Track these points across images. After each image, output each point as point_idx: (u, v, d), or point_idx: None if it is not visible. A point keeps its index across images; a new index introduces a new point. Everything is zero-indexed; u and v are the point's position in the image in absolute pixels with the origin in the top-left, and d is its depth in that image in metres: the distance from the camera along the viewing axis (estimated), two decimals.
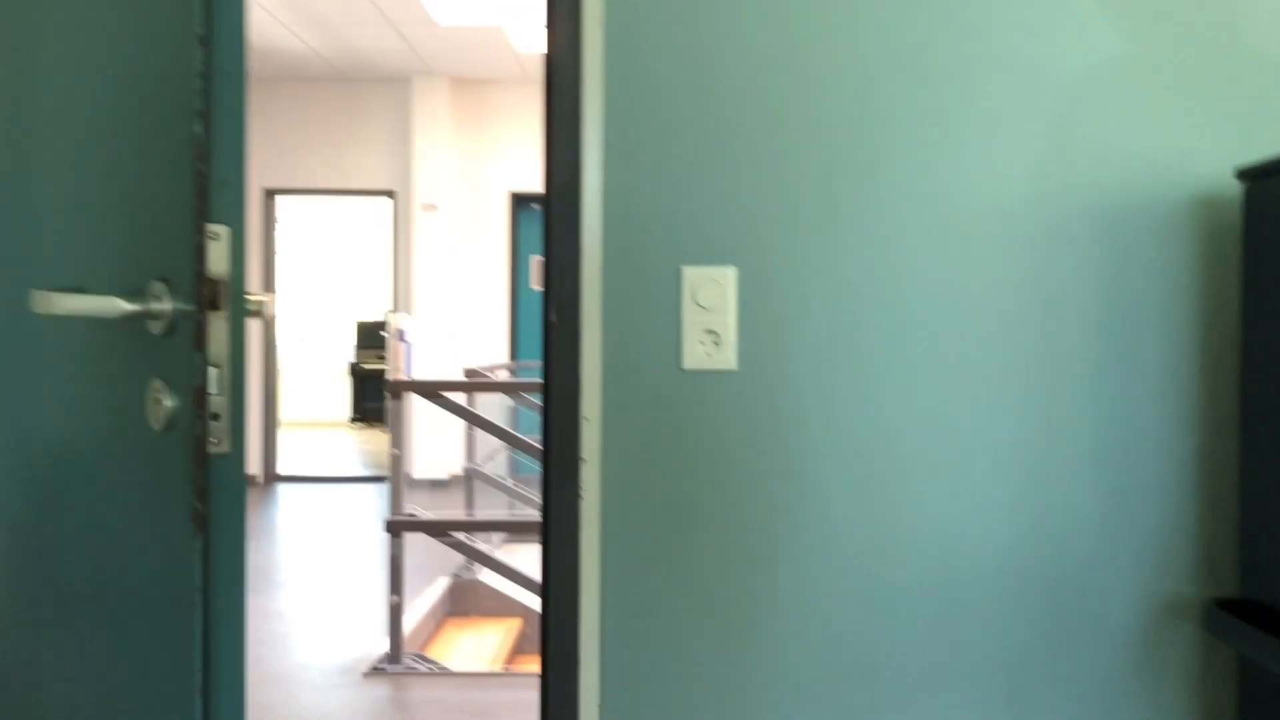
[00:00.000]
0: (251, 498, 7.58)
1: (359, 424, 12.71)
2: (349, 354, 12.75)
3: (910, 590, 1.51)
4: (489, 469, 5.35)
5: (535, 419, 5.29)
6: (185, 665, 1.01)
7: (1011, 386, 1.51)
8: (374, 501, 7.55)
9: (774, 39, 1.53)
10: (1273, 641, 1.30)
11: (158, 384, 1.07)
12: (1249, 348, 1.42)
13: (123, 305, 1.05)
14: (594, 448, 1.56)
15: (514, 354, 8.22)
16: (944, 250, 1.52)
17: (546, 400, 1.64)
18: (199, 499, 1.02)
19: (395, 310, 7.98)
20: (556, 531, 1.62)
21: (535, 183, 8.01)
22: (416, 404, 6.53)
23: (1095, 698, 1.51)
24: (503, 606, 4.56)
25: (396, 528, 3.52)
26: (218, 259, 1.05)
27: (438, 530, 3.58)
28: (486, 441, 5.37)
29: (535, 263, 8.26)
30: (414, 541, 3.93)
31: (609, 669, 1.56)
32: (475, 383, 3.84)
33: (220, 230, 1.05)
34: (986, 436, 1.51)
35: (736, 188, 1.54)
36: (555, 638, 1.61)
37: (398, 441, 3.59)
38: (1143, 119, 1.51)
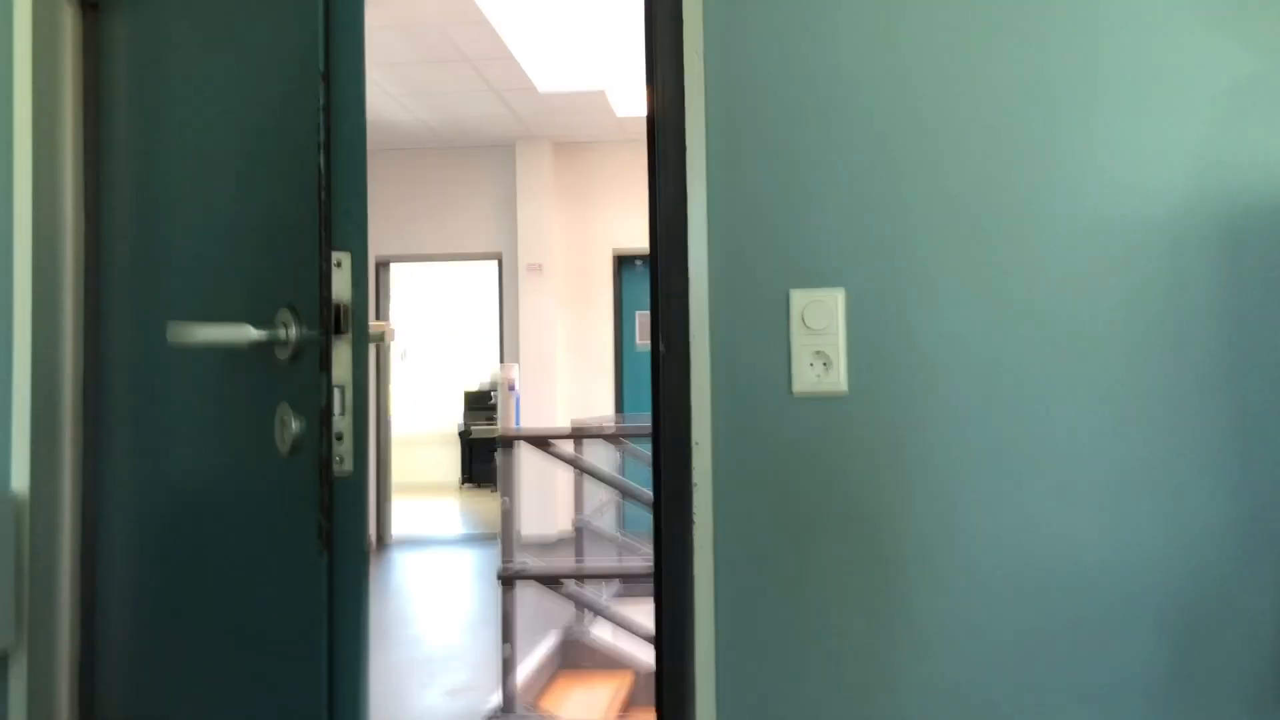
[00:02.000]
0: None
1: (468, 487, 12.91)
2: (458, 419, 13.00)
3: (1049, 612, 1.46)
4: (598, 523, 5.36)
5: (644, 473, 5.29)
6: (312, 680, 1.03)
7: (1146, 401, 1.46)
8: (486, 560, 7.63)
9: (878, 60, 1.54)
10: None
11: (284, 408, 1.11)
12: None
13: (252, 333, 1.10)
14: (705, 472, 1.56)
15: (619, 410, 8.27)
16: (1062, 262, 1.48)
17: (656, 428, 1.65)
18: (325, 516, 1.05)
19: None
20: (669, 562, 1.61)
21: (638, 241, 8.12)
22: (525, 462, 6.59)
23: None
24: (614, 661, 4.54)
25: (509, 578, 3.54)
26: (341, 285, 1.09)
27: (549, 581, 3.60)
28: (595, 496, 5.37)
29: (641, 320, 8.32)
30: (524, 598, 3.95)
31: (724, 703, 1.54)
32: (584, 431, 3.87)
33: (343, 257, 1.10)
34: (1121, 453, 1.46)
35: (843, 209, 1.54)
36: (670, 676, 1.59)
37: (508, 492, 3.63)
38: (1255, 127, 1.47)
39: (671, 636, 1.59)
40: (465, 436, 12.66)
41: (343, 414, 1.10)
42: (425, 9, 5.24)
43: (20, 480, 1.55)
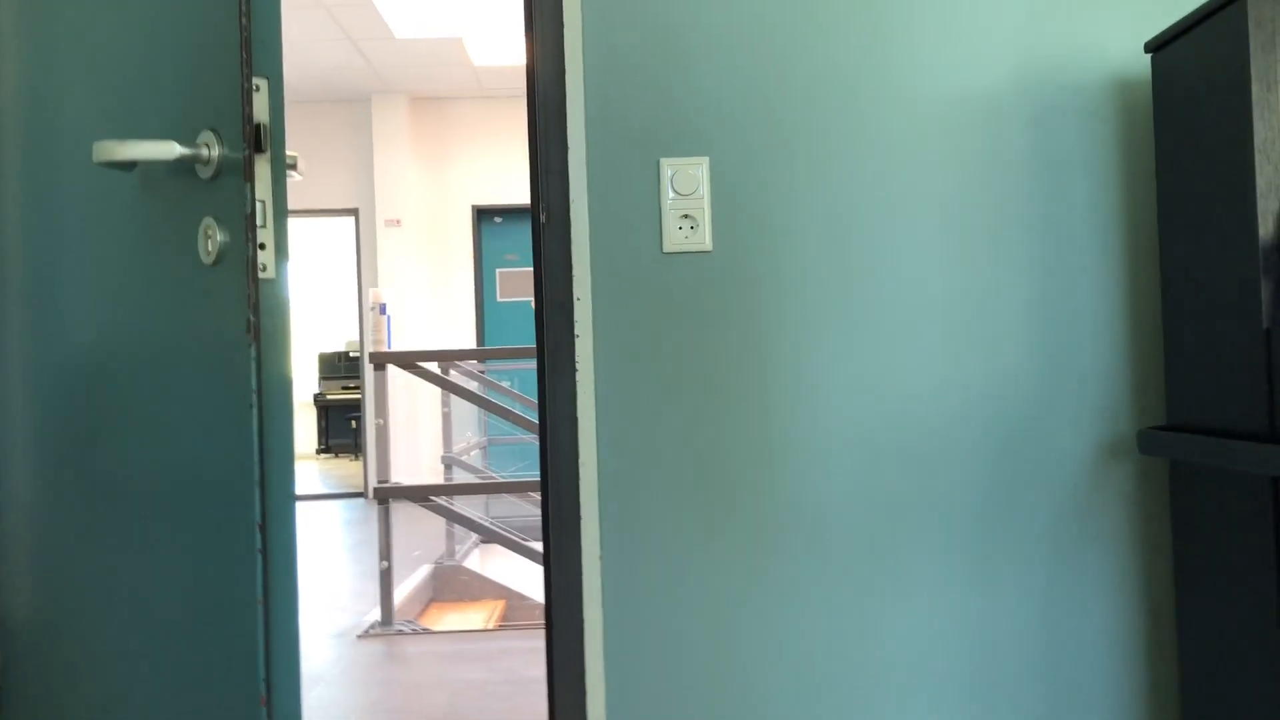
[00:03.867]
0: None
1: (325, 455, 12.70)
2: (312, 385, 12.74)
3: (886, 447, 1.68)
4: (465, 461, 5.47)
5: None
6: (244, 462, 1.15)
7: (959, 255, 1.69)
8: (351, 509, 7.61)
9: None
10: (1198, 439, 1.47)
11: (209, 222, 1.22)
12: (1164, 205, 1.61)
13: (177, 148, 1.20)
14: (586, 325, 1.71)
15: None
16: (898, 137, 1.70)
17: (539, 292, 1.80)
18: (253, 312, 1.16)
19: (361, 326, 8.08)
20: (553, 408, 1.77)
21: (497, 195, 8.18)
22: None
23: (1049, 534, 1.68)
24: (486, 589, 4.67)
25: (384, 495, 3.64)
26: (260, 107, 1.20)
27: (420, 496, 3.71)
28: (462, 437, 5.47)
29: (502, 276, 8.40)
30: (398, 526, 4.04)
31: (607, 522, 1.70)
32: (452, 351, 3.97)
33: (261, 82, 1.20)
34: (941, 299, 1.69)
35: (707, 86, 1.71)
36: (555, 497, 1.75)
37: (382, 413, 3.72)
38: (1063, 12, 1.71)
39: (557, 472, 1.75)
40: (320, 401, 12.44)
41: (263, 226, 1.21)
42: None
43: None
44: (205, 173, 1.22)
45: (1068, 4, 1.69)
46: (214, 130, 1.22)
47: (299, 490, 8.82)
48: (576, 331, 1.71)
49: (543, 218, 1.78)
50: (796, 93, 1.69)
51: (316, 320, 12.91)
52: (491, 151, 8.24)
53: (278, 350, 1.20)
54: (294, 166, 1.27)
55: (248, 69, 1.17)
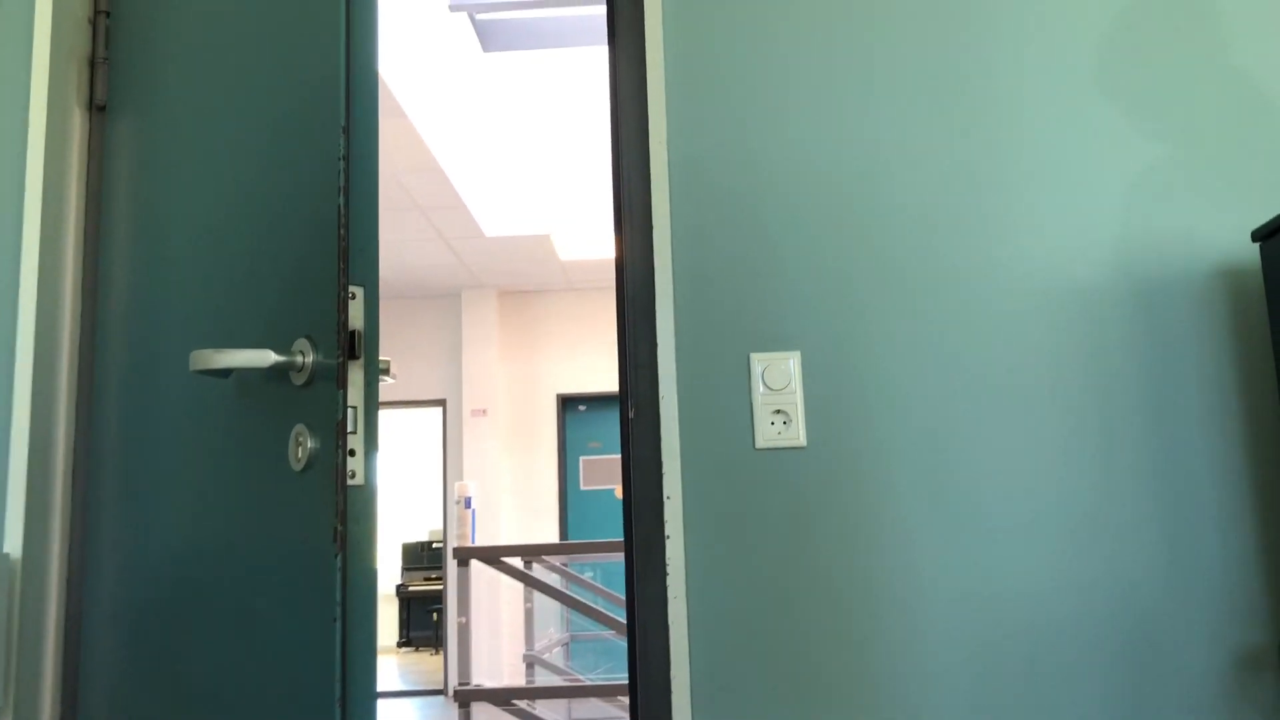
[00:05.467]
0: None
1: (406, 650, 12.51)
2: (395, 575, 12.71)
3: (999, 646, 1.56)
4: (548, 659, 5.31)
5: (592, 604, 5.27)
6: (326, 673, 1.10)
7: (1068, 449, 1.61)
8: (429, 712, 7.41)
9: (826, 153, 1.73)
10: None
11: (301, 429, 1.21)
12: None
13: (273, 356, 1.21)
14: (677, 524, 1.65)
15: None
16: (998, 326, 1.66)
17: (627, 489, 1.75)
18: (340, 521, 1.14)
19: (445, 511, 8.09)
20: (643, 616, 1.69)
21: (581, 384, 8.28)
22: (474, 602, 6.52)
23: None
24: None
25: (465, 698, 3.51)
26: (356, 314, 1.21)
27: (502, 699, 3.57)
28: (545, 635, 5.33)
29: (585, 464, 8.40)
30: None
31: None
32: (536, 545, 3.91)
33: (358, 290, 1.22)
34: (1051, 496, 1.60)
35: (797, 280, 1.70)
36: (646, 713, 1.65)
37: (464, 610, 3.64)
38: (1165, 204, 1.68)
39: (648, 679, 1.65)
40: (402, 593, 12.36)
41: (354, 432, 1.20)
42: (382, 157, 5.51)
43: (13, 544, 1.59)
44: (299, 379, 1.23)
45: (1167, 193, 1.66)
46: (309, 337, 1.23)
47: (379, 687, 8.63)
48: (667, 532, 1.65)
49: (631, 413, 1.76)
50: (889, 283, 1.67)
51: (401, 510, 13.00)
52: (577, 341, 8.40)
53: (363, 555, 1.17)
54: (386, 371, 1.27)
55: (344, 278, 1.19)
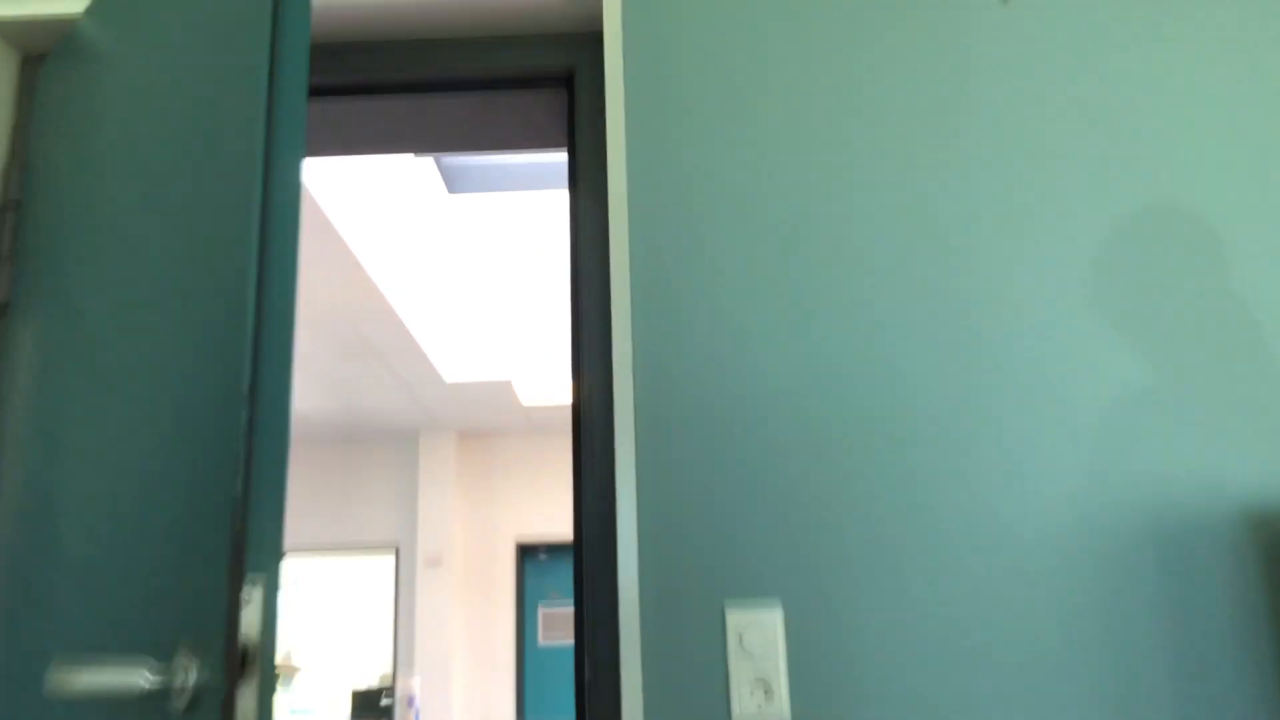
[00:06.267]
0: None
1: None
2: None
3: None
4: None
5: None
6: None
7: (1086, 716, 1.40)
8: None
9: (813, 372, 1.56)
10: None
11: None
12: None
13: (144, 681, 0.98)
14: None
15: (520, 715, 7.79)
16: (999, 578, 1.46)
17: None
18: None
19: (395, 671, 7.67)
20: None
21: (540, 530, 7.98)
22: None
23: None
24: None
25: None
26: (250, 624, 0.99)
27: None
28: None
29: (545, 615, 8.05)
30: None
31: None
32: None
33: (254, 592, 1.00)
34: None
35: (776, 522, 1.50)
36: None
37: None
38: (1180, 442, 1.51)
39: None
40: None
41: None
42: (336, 303, 5.32)
43: None
44: (180, 702, 1.00)
45: (1190, 438, 1.49)
46: (193, 646, 1.00)
47: None
48: None
49: (589, 674, 1.53)
50: (869, 528, 1.47)
51: (350, 657, 12.43)
52: (537, 484, 8.13)
53: None
54: (284, 683, 1.05)
55: (237, 581, 0.97)
